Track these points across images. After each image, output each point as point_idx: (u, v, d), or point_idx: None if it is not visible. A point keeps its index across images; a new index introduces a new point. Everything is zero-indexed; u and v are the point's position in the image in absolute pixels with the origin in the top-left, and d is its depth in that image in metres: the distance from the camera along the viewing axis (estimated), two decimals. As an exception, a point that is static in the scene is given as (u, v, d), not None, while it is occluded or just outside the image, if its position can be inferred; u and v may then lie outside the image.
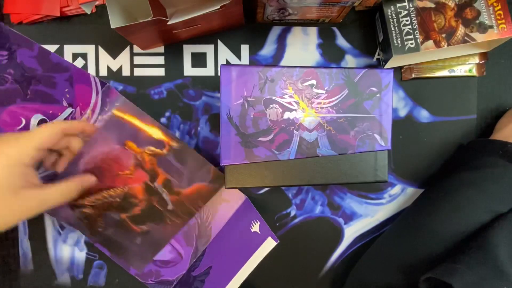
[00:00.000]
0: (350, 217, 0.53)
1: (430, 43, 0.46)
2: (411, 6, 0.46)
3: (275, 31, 0.51)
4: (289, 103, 0.42)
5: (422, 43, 0.46)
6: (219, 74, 0.44)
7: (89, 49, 0.51)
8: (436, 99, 0.52)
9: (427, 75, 0.51)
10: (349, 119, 0.42)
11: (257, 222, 0.49)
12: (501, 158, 0.43)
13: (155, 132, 0.46)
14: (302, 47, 0.52)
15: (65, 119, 0.48)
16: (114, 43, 0.51)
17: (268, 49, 0.52)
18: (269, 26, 0.51)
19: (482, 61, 0.51)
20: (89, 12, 0.42)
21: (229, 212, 0.50)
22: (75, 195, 0.41)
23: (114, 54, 0.51)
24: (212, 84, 0.51)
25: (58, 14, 0.49)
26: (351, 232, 0.53)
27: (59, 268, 0.52)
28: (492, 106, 0.53)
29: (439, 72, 0.51)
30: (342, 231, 0.53)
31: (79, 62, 0.51)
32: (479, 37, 0.46)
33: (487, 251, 0.37)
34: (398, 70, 0.52)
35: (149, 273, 0.50)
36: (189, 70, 0.51)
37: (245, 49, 0.51)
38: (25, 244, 0.52)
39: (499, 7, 0.46)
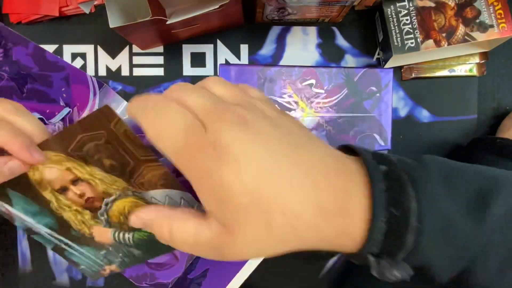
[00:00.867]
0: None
1: (430, 42, 0.46)
2: (411, 5, 0.46)
3: (275, 31, 0.51)
4: (288, 102, 0.41)
5: (422, 42, 0.46)
6: (218, 74, 0.44)
7: (88, 49, 0.51)
8: (436, 99, 0.52)
9: (427, 74, 0.51)
10: (348, 119, 0.42)
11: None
12: (500, 156, 0.43)
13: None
14: (302, 46, 0.52)
15: (63, 119, 0.48)
16: (113, 43, 0.51)
17: (267, 49, 0.51)
18: (268, 25, 0.51)
19: (483, 61, 0.51)
20: (88, 12, 0.42)
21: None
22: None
23: (113, 54, 0.51)
24: (211, 84, 0.51)
25: (57, 14, 0.49)
26: (351, 232, 0.53)
27: (58, 269, 0.52)
28: (492, 106, 0.52)
29: (439, 72, 0.51)
30: (342, 231, 0.53)
31: (78, 62, 0.51)
32: (479, 36, 0.46)
33: None
34: (398, 69, 0.51)
35: (144, 276, 0.50)
36: (188, 70, 0.51)
37: (244, 48, 0.51)
38: (24, 244, 0.52)
39: (499, 6, 0.45)
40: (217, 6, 0.39)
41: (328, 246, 0.20)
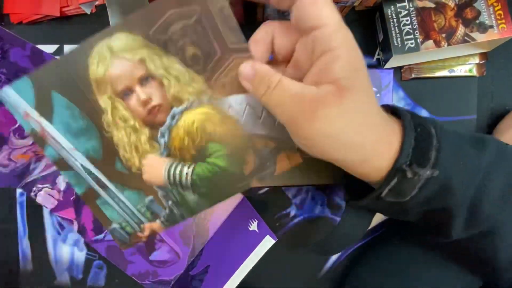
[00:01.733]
0: (350, 217, 0.53)
1: (430, 43, 0.46)
2: (411, 6, 0.46)
3: (275, 31, 0.51)
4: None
5: (422, 43, 0.46)
6: (218, 74, 0.44)
7: (89, 49, 0.51)
8: (436, 99, 0.52)
9: (427, 75, 0.51)
10: (348, 119, 0.42)
11: (255, 221, 0.49)
12: None
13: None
14: (302, 47, 0.52)
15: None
16: (114, 43, 0.51)
17: (268, 49, 0.51)
18: (269, 26, 0.51)
19: (482, 61, 0.51)
20: (89, 12, 0.42)
21: (226, 211, 0.50)
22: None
23: (114, 54, 0.51)
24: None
25: (58, 14, 0.49)
26: (351, 232, 0.53)
27: (59, 268, 0.52)
28: (492, 106, 0.52)
29: (439, 72, 0.51)
30: (342, 231, 0.53)
31: (79, 62, 0.51)
32: (479, 37, 0.46)
33: None
34: (398, 70, 0.52)
35: (146, 274, 0.50)
36: (188, 70, 0.51)
37: (245, 49, 0.51)
38: (24, 244, 0.52)
39: (499, 7, 0.46)
40: (218, 7, 0.39)
41: (375, 155, 0.27)
